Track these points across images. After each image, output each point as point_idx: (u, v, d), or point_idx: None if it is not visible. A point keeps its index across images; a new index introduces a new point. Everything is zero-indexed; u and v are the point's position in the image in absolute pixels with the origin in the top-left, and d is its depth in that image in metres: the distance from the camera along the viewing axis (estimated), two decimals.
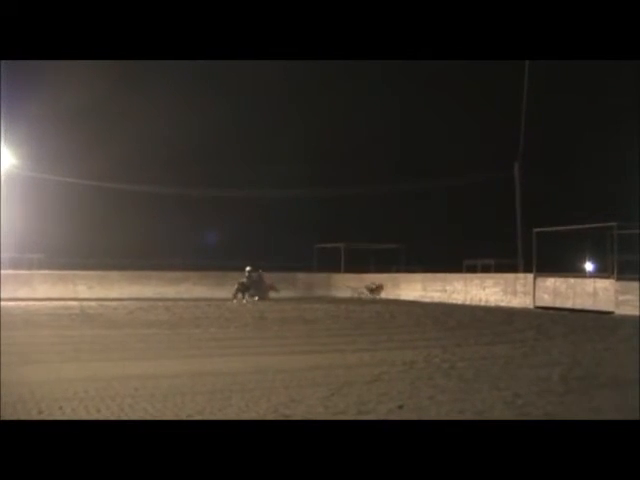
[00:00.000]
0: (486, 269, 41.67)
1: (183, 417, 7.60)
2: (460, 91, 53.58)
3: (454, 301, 34.62)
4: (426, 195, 54.47)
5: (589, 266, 48.01)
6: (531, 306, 30.97)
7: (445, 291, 35.99)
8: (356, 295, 38.64)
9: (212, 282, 37.88)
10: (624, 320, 23.93)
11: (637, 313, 25.72)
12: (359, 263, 43.02)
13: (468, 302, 34.03)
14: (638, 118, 50.12)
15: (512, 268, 40.01)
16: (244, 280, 34.36)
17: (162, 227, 49.02)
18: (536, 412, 8.14)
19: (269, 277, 36.52)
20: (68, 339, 15.82)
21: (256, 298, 34.15)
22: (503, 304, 32.28)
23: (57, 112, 45.30)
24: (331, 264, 42.92)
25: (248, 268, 34.77)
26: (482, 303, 33.06)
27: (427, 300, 35.63)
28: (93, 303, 30.40)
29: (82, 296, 34.02)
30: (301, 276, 40.79)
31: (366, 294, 38.30)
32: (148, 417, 7.61)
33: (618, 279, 28.05)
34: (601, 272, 36.06)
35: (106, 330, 18.44)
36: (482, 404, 8.64)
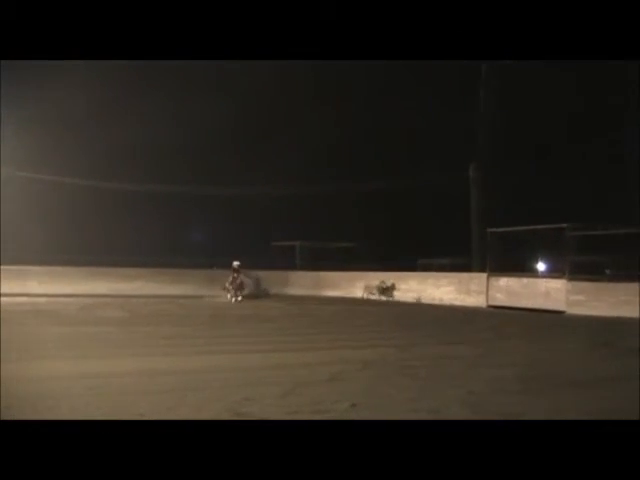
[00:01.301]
0: (441, 268, 41.93)
1: (136, 416, 7.46)
2: (416, 90, 53.71)
3: (409, 300, 34.72)
4: (382, 194, 54.53)
5: (542, 266, 48.54)
6: (484, 305, 31.19)
7: (400, 290, 36.08)
8: (365, 295, 37.10)
9: (167, 279, 37.50)
10: (575, 320, 24.21)
11: (588, 313, 26.05)
12: (315, 261, 42.96)
13: (423, 301, 34.16)
14: (595, 119, 50.97)
15: (467, 267, 40.31)
16: (232, 277, 33.70)
17: (126, 224, 48.43)
18: (491, 411, 8.15)
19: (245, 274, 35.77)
20: (15, 336, 15.48)
21: (239, 298, 33.16)
22: (457, 303, 32.46)
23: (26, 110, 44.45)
24: (287, 262, 42.81)
25: (236, 263, 34.15)
26: (436, 302, 33.21)
27: (383, 299, 35.70)
28: (44, 299, 29.92)
29: (33, 292, 33.38)
30: (257, 274, 40.58)
31: (377, 295, 36.59)
32: (100, 417, 7.44)
33: (570, 279, 28.37)
34: (554, 272, 36.43)
35: (57, 327, 18.16)
36: (437, 403, 8.62)
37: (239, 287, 33.66)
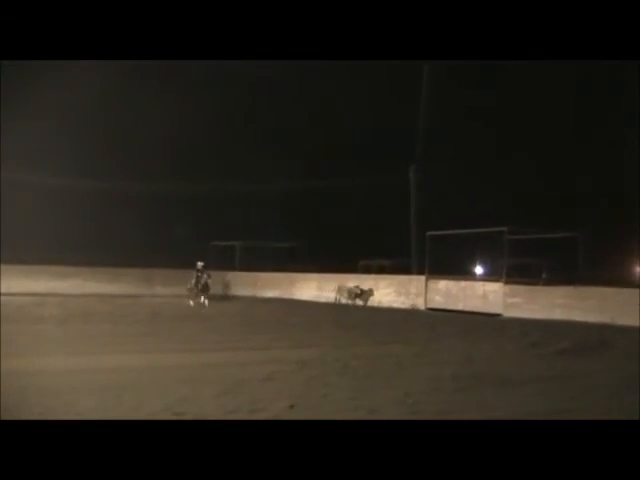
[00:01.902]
0: (381, 270, 42.13)
1: (72, 416, 7.36)
2: (358, 89, 53.97)
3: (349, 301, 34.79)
4: (323, 194, 54.65)
5: (480, 269, 49.14)
6: (423, 307, 31.43)
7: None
8: (338, 300, 33.73)
9: (104, 278, 37.05)
10: (511, 322, 24.54)
11: (523, 316, 26.46)
12: (253, 261, 42.78)
13: (337, 301, 34.15)
14: (537, 123, 51.80)
15: (406, 269, 40.58)
16: (196, 278, 30.88)
17: (63, 222, 47.48)
18: (428, 410, 8.24)
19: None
20: None
21: (205, 301, 29.93)
22: (396, 305, 32.64)
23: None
24: (226, 262, 42.50)
25: (199, 263, 31.73)
26: (375, 304, 33.33)
27: (322, 300, 35.69)
28: None
29: None
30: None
31: (353, 300, 33.19)
32: (35, 417, 7.30)
33: (507, 282, 28.78)
34: (491, 275, 36.92)
35: None
36: (375, 402, 8.69)
37: (204, 289, 30.77)
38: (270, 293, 39.00)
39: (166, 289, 36.86)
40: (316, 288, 37.43)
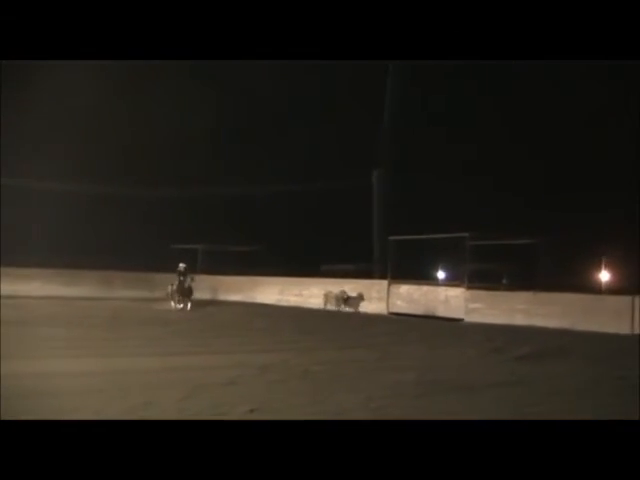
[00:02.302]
0: (344, 274, 42.15)
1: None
2: (325, 96, 54.09)
3: (311, 306, 34.78)
4: (285, 198, 54.60)
5: (442, 275, 49.45)
6: (385, 312, 31.49)
7: (302, 295, 36.12)
8: (328, 306, 32.63)
9: (65, 280, 36.61)
10: (473, 327, 24.69)
11: (485, 321, 26.62)
12: (216, 265, 42.56)
13: (325, 307, 34.23)
14: (499, 127, 52.23)
15: (369, 274, 40.66)
16: (178, 281, 29.37)
17: (23, 224, 46.86)
18: (391, 414, 8.23)
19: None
20: None
21: (188, 305, 28.71)
22: (359, 309, 32.65)
23: None
24: (189, 266, 42.18)
25: (182, 265, 30.07)
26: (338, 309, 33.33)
27: (284, 304, 35.65)
28: None
29: None
30: (157, 277, 39.97)
31: (340, 306, 32.19)
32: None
33: (468, 288, 28.95)
34: (453, 280, 37.14)
35: None
36: (336, 407, 8.67)
37: (187, 293, 29.16)
38: (232, 297, 38.83)
39: (127, 292, 36.51)
40: (278, 292, 37.38)
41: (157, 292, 37.31)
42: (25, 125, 46.27)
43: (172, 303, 29.17)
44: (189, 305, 28.77)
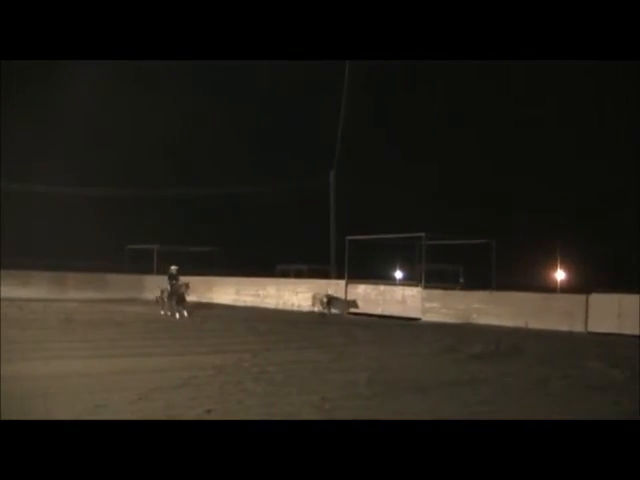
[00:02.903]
0: (299, 274, 42.13)
1: None
2: (280, 95, 54.07)
3: (267, 306, 34.71)
4: (241, 198, 54.47)
5: (399, 274, 49.64)
6: (342, 312, 31.49)
7: (258, 296, 36.04)
8: (317, 309, 31.52)
9: (16, 281, 36.03)
10: (429, 326, 24.84)
11: (441, 320, 26.79)
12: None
13: (281, 307, 34.20)
14: (453, 126, 52.63)
15: (324, 274, 40.64)
16: (170, 285, 27.06)
17: None
18: (345, 415, 8.22)
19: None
20: None
21: (185, 312, 26.14)
22: (315, 309, 32.64)
23: None
24: (143, 266, 41.87)
25: (173, 267, 27.97)
26: (295, 308, 33.32)
27: (240, 304, 35.53)
28: None
29: None
30: (110, 277, 39.61)
31: (326, 309, 31.35)
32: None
33: (425, 287, 29.09)
34: (410, 280, 37.30)
35: None
36: (291, 408, 8.68)
37: (181, 299, 26.64)
38: (188, 297, 38.54)
39: (79, 293, 36.10)
40: (234, 292, 37.24)
41: (110, 293, 37.07)
42: None
43: (162, 311, 26.66)
44: (185, 312, 26.09)
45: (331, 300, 31.36)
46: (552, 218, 48.97)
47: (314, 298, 32.25)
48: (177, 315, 25.82)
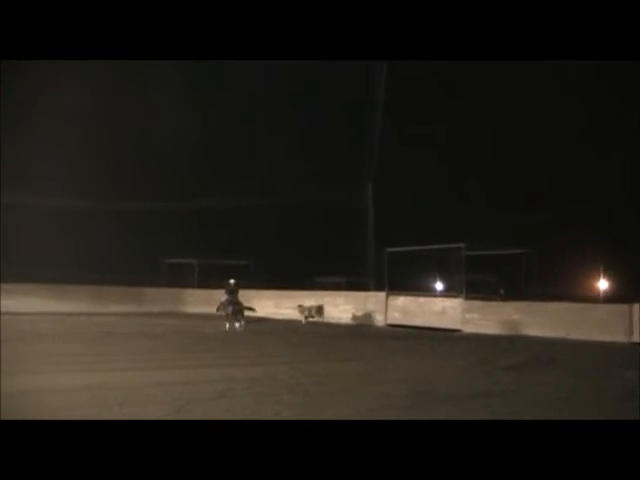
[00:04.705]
0: (336, 287, 42.11)
1: None
2: (315, 108, 54.07)
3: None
4: (278, 210, 54.52)
5: (439, 285, 49.41)
6: (382, 324, 31.41)
7: (294, 308, 36.01)
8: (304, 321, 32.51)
9: (57, 295, 36.41)
10: (468, 338, 24.65)
11: (481, 331, 26.58)
12: (209, 279, 42.44)
13: (318, 319, 34.14)
14: (494, 143, 52.36)
15: (362, 286, 40.55)
16: (226, 298, 27.21)
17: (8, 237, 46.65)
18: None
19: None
20: None
21: (242, 323, 26.56)
22: (354, 322, 32.60)
23: None
24: (180, 279, 42.06)
25: (232, 281, 28.16)
26: (334, 321, 33.28)
27: (279, 317, 35.53)
28: None
29: None
30: (149, 291, 39.87)
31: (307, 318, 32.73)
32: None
33: (465, 298, 28.90)
34: (449, 291, 37.08)
35: None
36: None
37: (239, 312, 27.00)
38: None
39: (119, 307, 36.41)
40: (273, 305, 37.21)
41: (148, 306, 37.27)
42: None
43: (227, 324, 26.38)
44: (242, 323, 26.54)
45: (309, 309, 32.66)
46: (594, 227, 48.43)
47: (300, 307, 32.98)
48: (236, 325, 26.15)
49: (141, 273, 39.06)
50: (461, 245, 30.34)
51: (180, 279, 41.63)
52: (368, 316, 32.46)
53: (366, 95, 48.84)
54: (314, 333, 25.97)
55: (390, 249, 33.65)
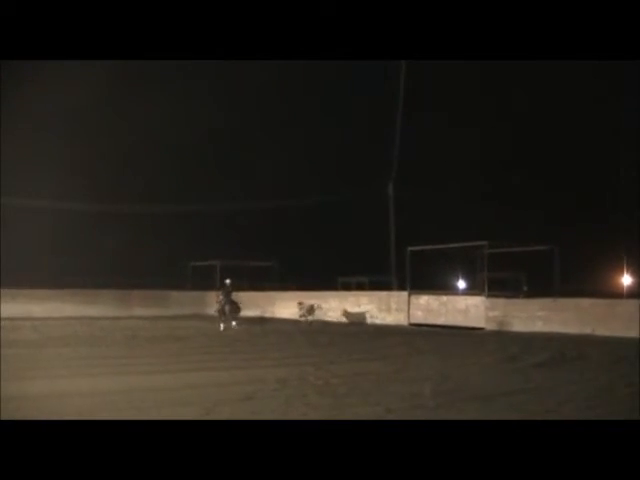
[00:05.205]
0: (360, 286, 42.08)
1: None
2: (335, 107, 54.04)
3: (329, 319, 34.73)
4: (299, 211, 54.53)
5: (462, 284, 49.21)
6: (405, 323, 31.41)
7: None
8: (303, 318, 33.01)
9: (83, 300, 36.75)
10: (492, 335, 24.58)
11: (504, 329, 26.51)
12: (234, 281, 42.49)
13: (343, 320, 34.19)
14: (514, 137, 52.00)
15: (386, 286, 40.51)
16: (222, 298, 28.19)
17: (39, 243, 46.91)
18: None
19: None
20: None
21: (236, 323, 27.71)
22: (378, 321, 32.61)
23: None
24: (205, 282, 42.15)
25: (228, 281, 28.81)
26: (357, 320, 33.28)
27: (302, 318, 35.51)
28: None
29: None
30: (174, 294, 40.10)
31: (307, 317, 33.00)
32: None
33: (488, 296, 28.81)
34: (472, 289, 36.98)
35: None
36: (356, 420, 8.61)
37: (235, 310, 28.22)
38: (251, 312, 38.81)
39: (144, 310, 36.63)
40: (296, 306, 37.24)
41: (174, 310, 37.50)
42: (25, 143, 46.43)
43: (221, 324, 27.26)
44: (234, 324, 27.42)
45: (312, 309, 32.65)
46: (620, 219, 47.99)
47: (300, 305, 33.21)
48: (233, 323, 27.31)
49: (166, 276, 39.18)
50: (484, 243, 30.26)
51: (204, 282, 41.72)
52: (391, 315, 32.45)
53: (386, 93, 48.70)
54: (338, 333, 25.99)
55: (412, 248, 33.62)
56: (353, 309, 34.34)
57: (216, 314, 28.77)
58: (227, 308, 27.88)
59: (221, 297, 28.37)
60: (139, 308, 37.52)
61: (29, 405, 9.44)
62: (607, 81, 43.81)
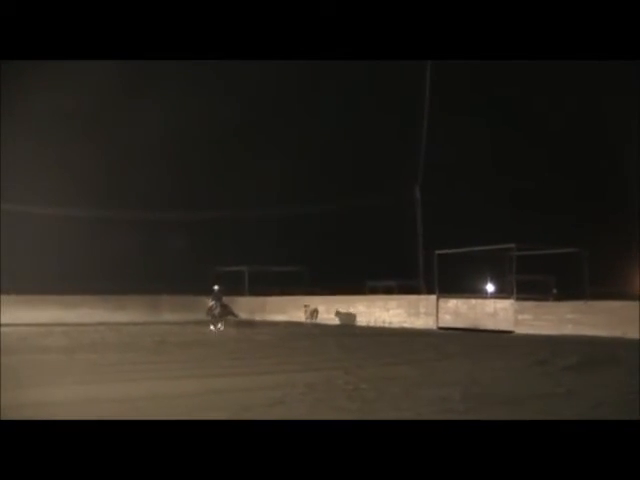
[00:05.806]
0: (388, 291, 42.01)
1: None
2: (362, 112, 53.97)
3: (358, 323, 34.71)
4: (326, 216, 54.51)
5: (490, 287, 48.96)
6: (434, 327, 31.32)
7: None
8: (309, 320, 35.51)
9: (112, 306, 36.98)
10: (522, 339, 24.43)
11: (534, 332, 26.33)
12: (261, 286, 42.64)
13: (372, 324, 34.18)
14: (540, 140, 51.71)
15: (414, 290, 40.40)
16: (212, 303, 30.40)
17: (67, 250, 47.28)
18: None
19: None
20: None
21: (221, 325, 29.87)
22: (406, 325, 32.53)
23: None
24: (231, 287, 42.25)
25: (216, 287, 31.07)
26: (386, 325, 33.24)
27: (330, 322, 35.57)
28: None
29: None
30: (202, 299, 40.20)
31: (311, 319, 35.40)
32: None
33: (517, 299, 28.65)
34: (501, 293, 36.79)
35: None
36: None
37: (222, 314, 30.34)
38: (278, 317, 38.93)
39: (173, 316, 36.80)
40: (324, 311, 37.27)
41: (202, 315, 37.58)
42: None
43: (212, 326, 29.79)
44: (220, 326, 29.75)
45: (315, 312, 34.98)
46: None
47: (305, 308, 35.53)
48: (219, 325, 29.71)
49: (195, 282, 39.30)
50: (512, 245, 30.10)
51: (231, 287, 41.82)
52: (420, 320, 32.38)
53: (412, 95, 48.62)
54: (366, 337, 25.95)
55: (439, 251, 33.52)
56: (382, 314, 34.33)
57: (208, 317, 30.52)
58: (217, 312, 30.11)
59: (211, 303, 30.46)
60: (168, 313, 37.70)
61: (59, 411, 9.48)
62: None
